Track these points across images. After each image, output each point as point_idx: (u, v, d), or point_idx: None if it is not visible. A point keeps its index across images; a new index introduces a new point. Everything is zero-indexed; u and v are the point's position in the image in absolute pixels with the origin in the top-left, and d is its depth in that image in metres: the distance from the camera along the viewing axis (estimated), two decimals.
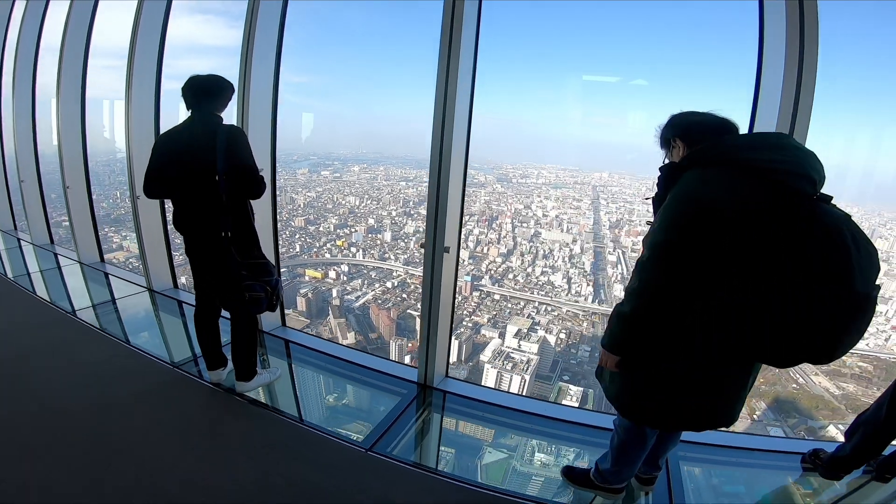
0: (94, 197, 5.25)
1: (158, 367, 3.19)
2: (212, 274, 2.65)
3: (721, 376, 1.51)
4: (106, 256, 5.56)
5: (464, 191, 2.96)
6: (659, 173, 1.54)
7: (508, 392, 3.75)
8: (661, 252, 1.38)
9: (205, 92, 2.45)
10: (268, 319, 3.81)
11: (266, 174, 3.14)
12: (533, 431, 3.01)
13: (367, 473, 2.30)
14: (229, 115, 2.62)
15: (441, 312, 2.97)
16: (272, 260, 3.57)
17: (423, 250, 2.84)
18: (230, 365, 2.94)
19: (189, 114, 2.48)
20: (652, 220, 1.55)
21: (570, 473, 2.27)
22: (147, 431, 2.49)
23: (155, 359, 3.27)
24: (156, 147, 2.56)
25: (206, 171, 2.33)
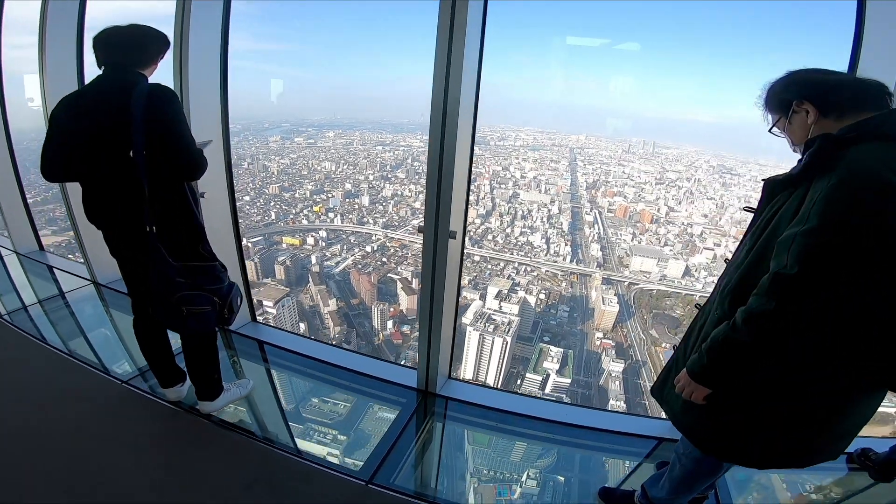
0: (25, 178, 4.75)
1: (102, 382, 2.67)
2: (141, 281, 2.11)
3: (831, 405, 1.32)
4: (50, 242, 5.03)
5: (471, 162, 2.51)
6: (798, 148, 1.27)
7: (517, 393, 3.52)
8: (820, 261, 1.09)
9: (121, 43, 1.90)
10: (237, 318, 3.46)
11: (215, 148, 2.67)
12: (551, 441, 2.83)
13: None
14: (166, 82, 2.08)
15: (445, 309, 2.62)
16: (235, 255, 3.15)
17: (420, 234, 2.43)
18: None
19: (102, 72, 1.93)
20: (753, 207, 1.38)
21: (610, 497, 2.10)
22: (87, 468, 2.01)
23: (99, 371, 2.76)
24: (53, 115, 1.97)
25: (118, 146, 1.82)
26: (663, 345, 40.20)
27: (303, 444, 2.70)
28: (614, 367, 33.83)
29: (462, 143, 2.31)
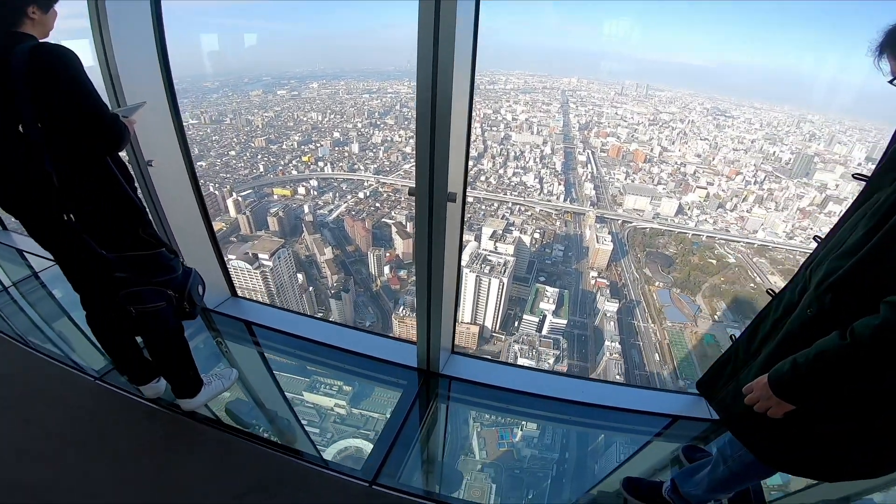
0: None
1: (74, 380, 2.26)
2: (75, 277, 1.76)
3: None
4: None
5: (470, 112, 1.98)
6: None
7: (523, 367, 2.91)
8: None
9: None
10: (212, 293, 2.79)
11: (157, 109, 2.11)
12: (562, 422, 2.62)
13: None
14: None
15: (445, 282, 2.21)
16: (201, 228, 2.56)
17: (412, 197, 1.89)
18: None
19: None
20: (864, 175, 1.15)
21: (636, 488, 1.92)
22: (62, 483, 1.70)
23: (69, 367, 2.33)
24: None
25: (3, 121, 1.45)
26: (657, 283, 41.03)
27: (299, 442, 2.44)
28: (609, 306, 34.56)
29: (459, 88, 1.72)
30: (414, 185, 1.86)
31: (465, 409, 2.85)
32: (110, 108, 1.52)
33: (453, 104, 1.66)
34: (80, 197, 1.52)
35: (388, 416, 2.42)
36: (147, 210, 1.71)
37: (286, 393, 2.77)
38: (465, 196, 1.99)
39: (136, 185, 1.73)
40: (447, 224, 1.93)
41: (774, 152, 54.89)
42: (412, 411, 2.37)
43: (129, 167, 1.68)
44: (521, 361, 27.01)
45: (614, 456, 2.58)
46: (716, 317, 38.42)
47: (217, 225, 33.94)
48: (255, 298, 29.62)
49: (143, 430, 2.05)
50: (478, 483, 2.61)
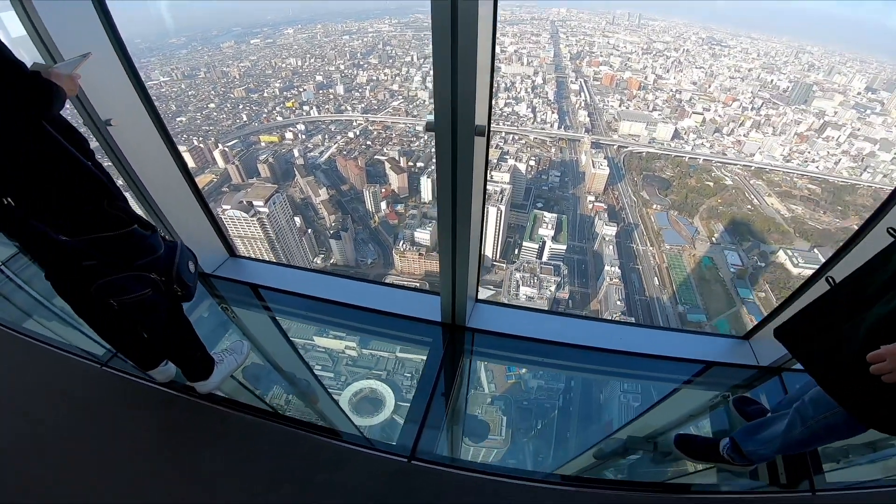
0: None
1: (79, 368, 2.03)
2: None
3: None
4: None
5: (494, 39, 1.66)
6: None
7: (550, 312, 2.67)
8: None
9: None
10: (208, 256, 2.52)
11: (106, 62, 1.71)
12: (594, 371, 2.50)
13: (420, 493, 1.60)
14: None
15: (472, 226, 1.99)
16: (183, 187, 2.24)
17: (430, 132, 1.61)
18: None
19: None
20: None
21: (689, 445, 1.80)
22: (83, 481, 1.55)
23: (73, 355, 2.10)
24: None
25: None
26: (654, 206, 40.91)
27: (322, 403, 2.31)
28: (607, 230, 34.59)
29: (484, 8, 1.44)
30: (432, 120, 1.48)
31: (495, 364, 2.70)
32: (32, 65, 1.18)
33: (479, 27, 1.38)
34: (17, 176, 1.19)
35: (416, 379, 2.21)
36: (112, 180, 1.35)
37: (297, 341, 2.60)
38: (489, 129, 1.69)
39: (92, 150, 1.34)
40: (474, 160, 1.68)
41: (772, 80, 53.17)
42: (440, 374, 2.16)
43: (85, 132, 1.32)
44: (522, 290, 27.34)
45: (648, 404, 2.43)
46: (713, 239, 38.59)
47: (206, 177, 33.23)
48: (254, 247, 29.52)
49: (162, 420, 1.81)
50: (489, 416, 2.57)
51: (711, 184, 42.94)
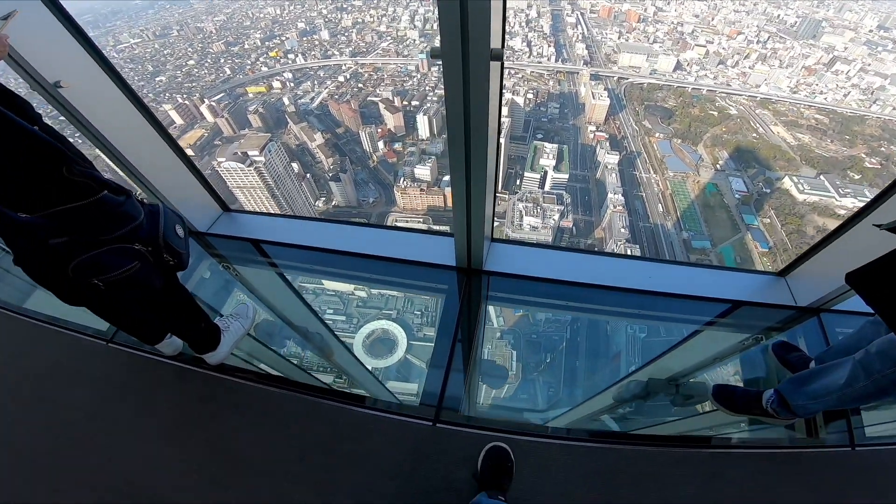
0: None
1: (84, 346, 1.95)
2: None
3: None
4: None
5: None
6: None
7: (571, 250, 2.37)
8: None
9: None
10: (199, 214, 2.42)
11: (36, 15, 1.43)
12: (618, 315, 2.28)
13: (447, 455, 1.52)
14: None
15: (489, 159, 1.64)
16: (159, 143, 2.02)
17: (437, 60, 1.30)
18: None
19: None
20: None
21: (728, 397, 1.64)
22: (105, 465, 1.50)
23: (76, 333, 1.99)
24: None
25: None
26: (657, 135, 40.09)
27: (337, 354, 2.24)
28: (609, 159, 34.02)
29: None
30: (437, 46, 1.21)
31: (514, 308, 2.59)
32: None
33: None
34: None
35: (428, 317, 2.16)
36: (68, 143, 1.08)
37: (306, 285, 2.49)
38: (504, 55, 1.45)
39: (38, 114, 1.00)
40: (490, 86, 1.38)
41: (779, 15, 50.84)
42: (458, 330, 1.98)
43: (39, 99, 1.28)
44: (526, 220, 27.09)
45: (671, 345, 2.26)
46: (718, 166, 37.88)
47: (196, 133, 32.73)
48: (255, 197, 29.32)
49: (176, 395, 1.72)
50: (499, 351, 2.47)
51: (715, 113, 41.91)
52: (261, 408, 1.68)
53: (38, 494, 1.46)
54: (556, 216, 28.25)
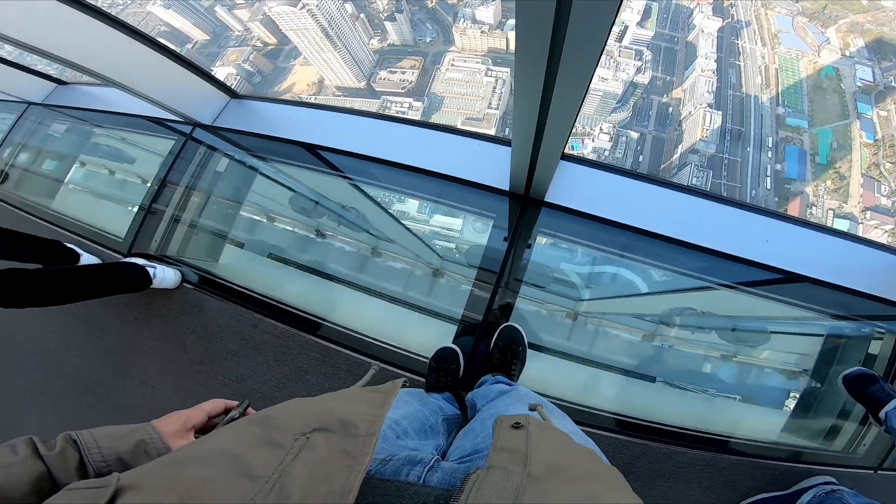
0: None
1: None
2: None
3: None
4: None
5: None
6: None
7: (676, 187, 1.62)
8: None
9: None
10: (200, 105, 2.12)
11: None
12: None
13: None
14: None
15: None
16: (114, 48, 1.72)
17: None
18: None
19: None
20: None
21: (863, 384, 1.41)
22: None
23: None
24: None
25: None
26: (777, 9, 34.01)
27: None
28: (709, 24, 29.37)
29: None
30: None
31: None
32: None
33: None
34: None
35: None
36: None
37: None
38: None
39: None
40: None
41: None
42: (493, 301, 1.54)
43: None
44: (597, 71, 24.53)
45: None
46: (847, 52, 31.76)
47: None
48: (308, 38, 28.84)
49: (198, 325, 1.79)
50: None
51: (865, 1, 34.93)
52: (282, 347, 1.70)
53: None
54: (632, 70, 25.35)
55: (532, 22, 0.69)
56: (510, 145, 1.69)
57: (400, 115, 2.31)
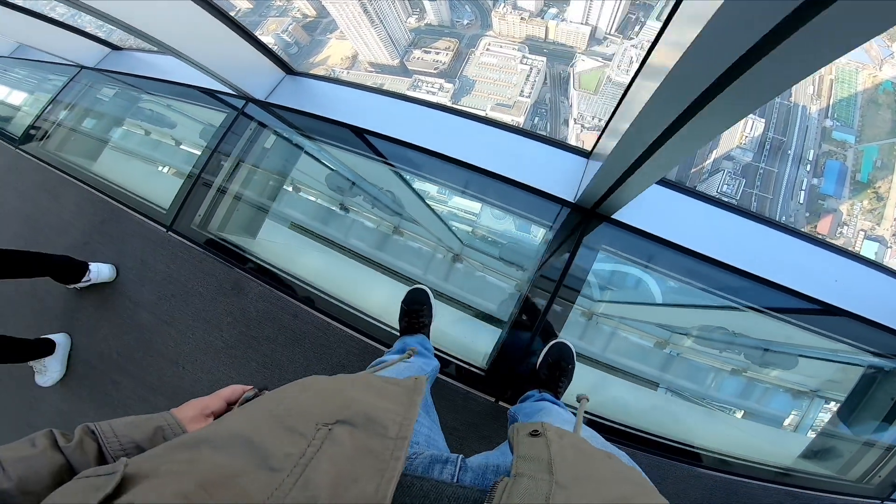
0: None
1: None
2: None
3: None
4: None
5: None
6: None
7: (752, 215, 1.55)
8: None
9: None
10: (255, 79, 2.01)
11: None
12: None
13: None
14: None
15: None
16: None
17: None
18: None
19: None
20: None
21: None
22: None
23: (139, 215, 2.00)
24: None
25: None
26: None
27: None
28: None
29: None
30: None
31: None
32: None
33: None
34: None
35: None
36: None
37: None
38: None
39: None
40: None
41: None
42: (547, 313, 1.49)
43: None
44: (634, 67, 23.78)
45: None
46: None
47: None
48: (344, 9, 28.51)
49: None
50: None
51: None
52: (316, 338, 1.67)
53: None
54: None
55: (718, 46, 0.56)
56: (586, 156, 1.55)
57: (463, 109, 2.15)
